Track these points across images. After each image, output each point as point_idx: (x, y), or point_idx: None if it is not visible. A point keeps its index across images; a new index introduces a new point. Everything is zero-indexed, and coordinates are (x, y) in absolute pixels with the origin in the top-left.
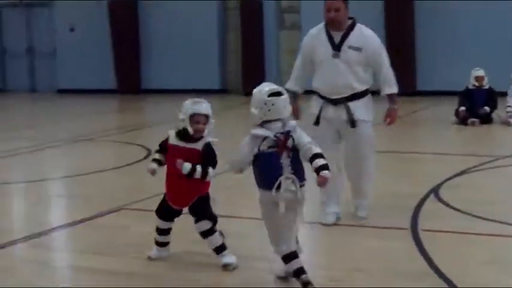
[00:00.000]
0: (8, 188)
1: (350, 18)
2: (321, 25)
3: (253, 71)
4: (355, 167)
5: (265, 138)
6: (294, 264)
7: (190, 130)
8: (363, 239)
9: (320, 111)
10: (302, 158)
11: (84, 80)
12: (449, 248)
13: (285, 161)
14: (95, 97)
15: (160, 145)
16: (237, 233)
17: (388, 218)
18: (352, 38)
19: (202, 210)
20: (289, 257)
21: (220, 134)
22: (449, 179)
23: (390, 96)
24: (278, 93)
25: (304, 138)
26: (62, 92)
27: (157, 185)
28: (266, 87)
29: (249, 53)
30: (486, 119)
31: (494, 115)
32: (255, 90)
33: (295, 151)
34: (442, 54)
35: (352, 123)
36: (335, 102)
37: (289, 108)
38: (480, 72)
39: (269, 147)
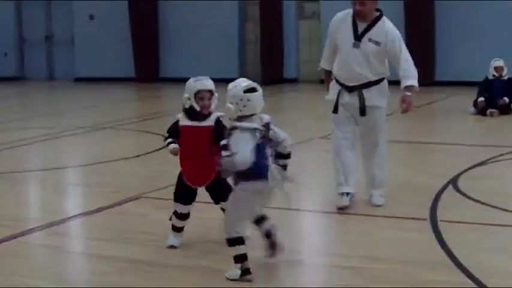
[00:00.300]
0: (27, 176)
1: (378, 10)
2: (349, 10)
3: (272, 61)
4: (369, 154)
5: (256, 130)
6: (240, 250)
7: (197, 107)
8: (382, 228)
9: (338, 97)
10: (274, 149)
11: (102, 69)
12: (469, 239)
13: (268, 151)
14: (113, 85)
15: (170, 131)
16: None
17: (406, 208)
18: (374, 32)
19: (222, 191)
20: (238, 241)
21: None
22: (468, 169)
23: (408, 88)
24: (253, 89)
25: (281, 133)
26: (80, 80)
27: (175, 174)
28: (242, 82)
29: (268, 42)
30: (505, 110)
31: None
32: (230, 86)
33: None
34: (461, 44)
35: (363, 111)
36: (350, 89)
37: (262, 104)
38: (500, 63)
39: (260, 138)
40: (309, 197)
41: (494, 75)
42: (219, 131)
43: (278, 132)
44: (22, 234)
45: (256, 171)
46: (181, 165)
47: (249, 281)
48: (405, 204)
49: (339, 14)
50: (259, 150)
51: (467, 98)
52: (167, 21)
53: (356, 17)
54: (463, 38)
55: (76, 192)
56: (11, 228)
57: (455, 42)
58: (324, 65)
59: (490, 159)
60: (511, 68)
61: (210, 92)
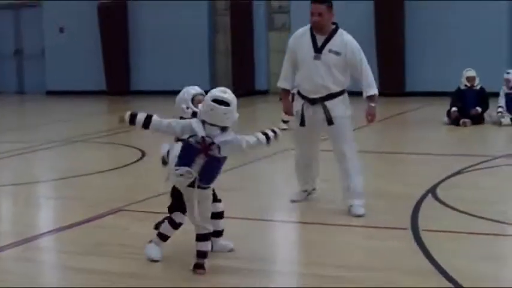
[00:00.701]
0: (4, 191)
1: (334, 23)
2: (307, 27)
3: (243, 72)
4: (342, 165)
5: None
6: (207, 246)
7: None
8: (364, 239)
9: (303, 110)
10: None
11: (73, 81)
12: (451, 247)
13: (199, 160)
14: (85, 99)
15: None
16: (236, 234)
17: (387, 218)
18: (334, 43)
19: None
20: (208, 237)
21: None
22: (445, 179)
23: (370, 97)
24: (221, 102)
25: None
26: (51, 93)
27: (153, 187)
28: (218, 92)
29: (238, 53)
30: (478, 120)
31: (486, 115)
32: (212, 90)
33: (216, 161)
34: (431, 54)
35: (329, 121)
36: (313, 101)
37: (231, 120)
38: (471, 73)
39: (196, 141)
40: (284, 208)
41: (466, 85)
42: None
43: (235, 148)
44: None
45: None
46: None
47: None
48: (386, 214)
49: (297, 31)
50: (186, 148)
51: (439, 108)
52: (137, 33)
53: (314, 29)
54: (433, 48)
55: (51, 206)
56: None
57: (425, 52)
58: (282, 84)
59: (465, 168)
60: (482, 78)
61: (203, 94)
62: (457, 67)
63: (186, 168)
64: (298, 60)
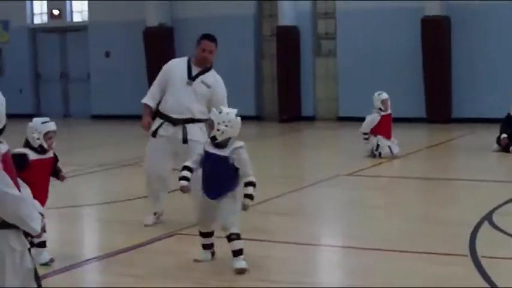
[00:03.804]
0: (56, 213)
1: None
2: (185, 58)
3: (289, 98)
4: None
5: None
6: (241, 244)
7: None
8: (426, 265)
9: (159, 127)
10: None
11: (118, 106)
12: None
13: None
14: (130, 123)
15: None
16: (274, 257)
17: (446, 244)
18: (207, 77)
19: None
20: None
21: (256, 160)
22: (500, 206)
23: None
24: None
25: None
26: (96, 117)
27: None
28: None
29: (285, 79)
30: None
31: None
32: (216, 111)
33: None
34: (478, 80)
35: (185, 140)
36: (175, 122)
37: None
38: None
39: None
40: (340, 233)
41: None
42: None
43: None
44: (66, 269)
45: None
46: None
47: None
48: (444, 240)
49: (175, 60)
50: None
51: (488, 135)
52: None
53: (199, 63)
54: (480, 74)
55: (108, 229)
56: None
57: (473, 78)
58: (148, 100)
59: None
60: None
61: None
62: (505, 93)
63: None
64: (170, 82)
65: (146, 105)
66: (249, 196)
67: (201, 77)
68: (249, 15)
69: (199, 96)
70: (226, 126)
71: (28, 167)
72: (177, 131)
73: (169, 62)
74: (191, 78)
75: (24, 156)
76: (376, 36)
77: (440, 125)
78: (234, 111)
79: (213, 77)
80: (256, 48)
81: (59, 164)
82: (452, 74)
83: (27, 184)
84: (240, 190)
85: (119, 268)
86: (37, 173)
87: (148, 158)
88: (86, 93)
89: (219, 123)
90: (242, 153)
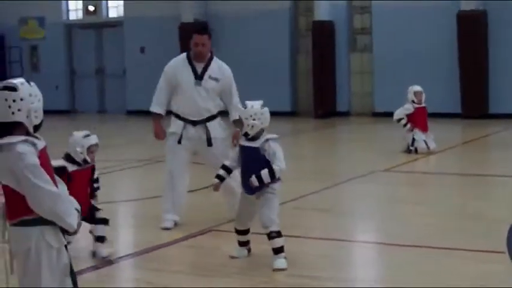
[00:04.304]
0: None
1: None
2: (184, 55)
3: (325, 94)
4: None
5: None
6: (281, 242)
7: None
8: (462, 262)
9: (182, 131)
10: None
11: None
12: None
13: None
14: (165, 118)
15: None
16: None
17: (484, 241)
18: (212, 70)
19: None
20: (280, 233)
21: (291, 156)
22: None
23: (237, 121)
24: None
25: None
26: (131, 113)
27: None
28: (255, 102)
29: (320, 75)
30: None
31: None
32: (248, 104)
33: None
34: None
35: (209, 141)
36: (195, 123)
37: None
38: None
39: None
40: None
41: None
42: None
43: None
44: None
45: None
46: None
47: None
48: (482, 236)
49: (175, 61)
50: None
51: None
52: (220, 54)
53: (196, 58)
54: None
55: (145, 225)
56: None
57: (510, 72)
58: (157, 109)
59: None
60: None
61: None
62: None
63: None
64: (178, 87)
65: (156, 114)
66: (258, 177)
67: (207, 73)
68: (285, 10)
69: (211, 92)
70: (254, 119)
71: (69, 179)
72: (199, 131)
73: (170, 64)
74: (198, 77)
75: (63, 169)
76: (412, 31)
77: (476, 120)
78: (259, 103)
79: (217, 67)
80: (291, 44)
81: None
82: (489, 69)
83: None
84: (279, 187)
85: (154, 265)
86: (76, 183)
87: (170, 162)
88: (122, 88)
89: (246, 119)
90: (272, 144)
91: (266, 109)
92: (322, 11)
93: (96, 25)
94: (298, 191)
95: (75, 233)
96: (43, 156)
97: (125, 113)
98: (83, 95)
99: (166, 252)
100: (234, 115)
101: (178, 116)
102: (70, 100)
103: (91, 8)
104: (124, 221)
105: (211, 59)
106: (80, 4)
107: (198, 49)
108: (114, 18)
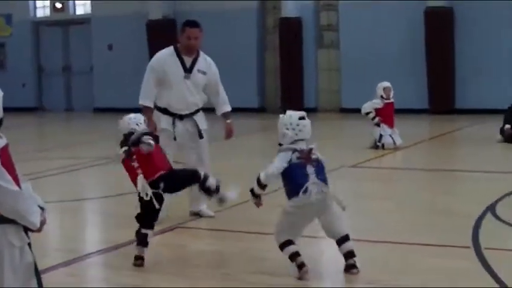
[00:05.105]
0: (53, 208)
1: None
2: (171, 49)
3: (292, 90)
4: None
5: (295, 151)
6: (290, 250)
7: None
8: (426, 257)
9: (173, 127)
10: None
11: (121, 99)
12: None
13: (310, 170)
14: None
15: None
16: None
17: (448, 236)
18: (200, 64)
19: None
20: (286, 243)
21: (259, 152)
22: (503, 197)
23: (227, 114)
24: (304, 118)
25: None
26: (98, 110)
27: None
28: (294, 112)
29: (287, 71)
30: None
31: None
32: (285, 114)
33: (321, 161)
34: (482, 71)
35: (201, 134)
36: (182, 117)
37: (310, 131)
38: None
39: (297, 158)
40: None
41: None
42: None
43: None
44: (67, 264)
45: (293, 189)
46: None
47: (306, 272)
48: (446, 232)
49: (162, 54)
50: (296, 170)
51: (491, 126)
52: None
53: (188, 51)
54: (484, 64)
55: (109, 223)
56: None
57: (476, 68)
58: (147, 102)
59: None
60: None
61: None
62: (508, 84)
63: (319, 184)
64: (166, 81)
65: (146, 107)
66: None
67: (196, 67)
68: (252, 8)
69: (199, 86)
70: (287, 129)
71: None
72: (186, 125)
73: (157, 57)
74: (187, 71)
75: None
76: (379, 28)
77: (443, 115)
78: (299, 113)
79: (204, 61)
80: (259, 41)
81: None
82: (455, 65)
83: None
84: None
85: (121, 262)
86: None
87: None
88: (89, 86)
89: (281, 127)
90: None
91: (306, 122)
92: (289, 8)
93: (64, 22)
94: (268, 188)
95: (38, 230)
96: (4, 154)
97: (92, 110)
98: (51, 93)
99: (133, 250)
100: (222, 108)
101: (165, 111)
102: (37, 97)
103: (58, 5)
104: (91, 219)
105: (198, 53)
106: (47, 1)
107: (190, 42)
108: (81, 15)
